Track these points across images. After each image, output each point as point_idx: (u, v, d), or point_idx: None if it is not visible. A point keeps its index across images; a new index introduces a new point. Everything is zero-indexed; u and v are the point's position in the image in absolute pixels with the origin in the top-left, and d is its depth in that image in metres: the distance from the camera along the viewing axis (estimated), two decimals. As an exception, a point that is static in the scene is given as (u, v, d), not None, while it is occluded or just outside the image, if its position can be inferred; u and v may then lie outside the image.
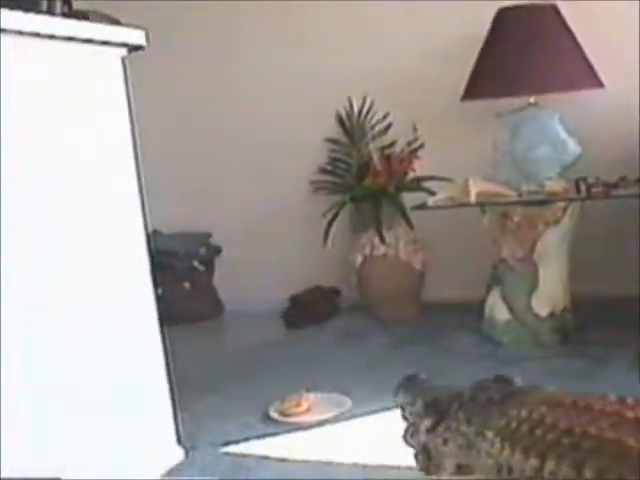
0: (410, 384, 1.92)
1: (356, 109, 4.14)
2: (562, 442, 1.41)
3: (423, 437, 1.76)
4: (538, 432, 1.46)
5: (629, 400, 1.49)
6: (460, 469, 1.61)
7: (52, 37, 2.06)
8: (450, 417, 1.69)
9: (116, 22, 2.29)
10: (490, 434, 1.54)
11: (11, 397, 1.89)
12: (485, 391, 1.70)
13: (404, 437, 1.85)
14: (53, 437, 2.03)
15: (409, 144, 3.96)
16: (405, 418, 1.88)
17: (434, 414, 1.75)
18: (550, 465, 1.40)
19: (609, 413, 1.45)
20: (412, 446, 1.82)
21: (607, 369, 2.98)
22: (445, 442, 1.68)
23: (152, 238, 2.51)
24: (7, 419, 1.87)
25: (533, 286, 3.39)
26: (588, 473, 1.34)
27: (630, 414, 1.43)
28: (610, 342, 3.23)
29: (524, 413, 1.53)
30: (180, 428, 2.56)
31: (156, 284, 2.48)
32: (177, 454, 2.53)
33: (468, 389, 1.75)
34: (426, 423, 1.76)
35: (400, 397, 1.90)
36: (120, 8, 2.49)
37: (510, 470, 1.47)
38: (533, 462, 1.43)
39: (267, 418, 2.80)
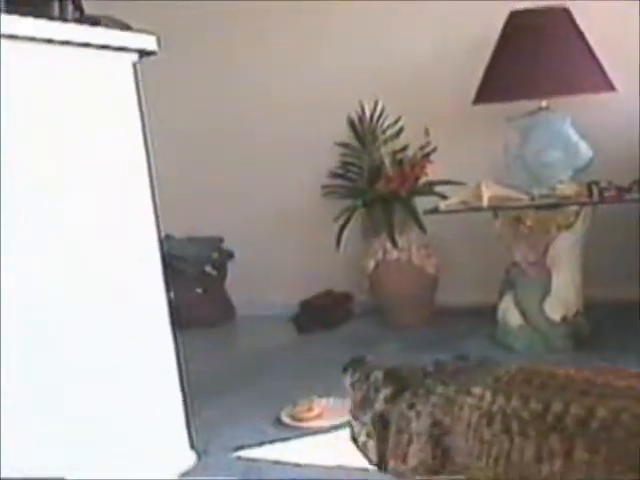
0: (360, 364, 1.85)
1: (368, 113, 4.14)
2: (568, 388, 1.32)
3: (380, 406, 1.68)
4: (536, 382, 1.38)
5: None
6: (435, 426, 1.51)
7: (64, 43, 2.07)
8: (416, 385, 1.62)
9: (127, 27, 2.30)
10: (477, 389, 1.45)
11: (14, 398, 1.90)
12: (450, 364, 1.64)
13: (352, 411, 1.78)
14: (62, 439, 2.03)
15: (421, 148, 3.96)
16: (353, 396, 1.81)
17: (395, 383, 1.68)
18: (556, 408, 1.30)
19: (608, 370, 1.39)
20: (359, 420, 1.75)
21: (621, 374, 2.96)
22: (412, 406, 1.59)
23: (164, 242, 2.52)
24: (10, 420, 1.88)
25: (546, 291, 3.38)
26: (602, 413, 1.25)
27: (632, 371, 1.37)
28: (624, 346, 3.21)
29: (514, 369, 1.45)
30: (192, 432, 2.56)
31: (168, 288, 2.49)
32: (189, 458, 2.53)
33: (430, 364, 1.68)
34: (385, 392, 1.69)
35: (349, 375, 1.83)
36: (131, 12, 2.49)
37: (504, 417, 1.36)
38: (534, 406, 1.33)
39: (279, 423, 2.80)
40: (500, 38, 3.54)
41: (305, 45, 4.27)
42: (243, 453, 2.58)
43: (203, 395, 2.76)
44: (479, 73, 3.58)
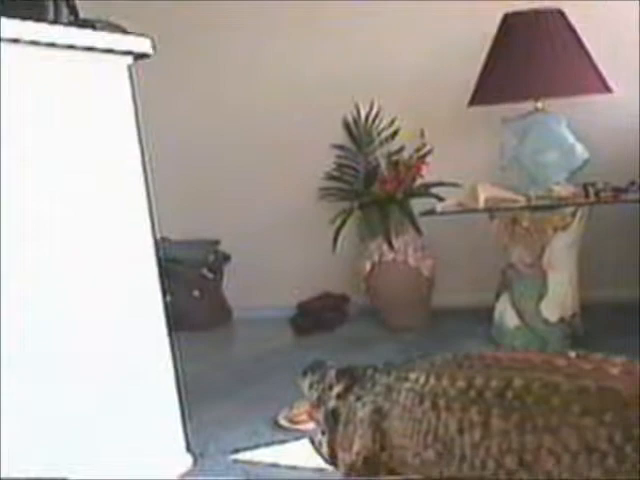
0: (318, 366, 1.94)
1: (363, 115, 4.14)
2: (491, 366, 1.44)
3: (333, 403, 1.78)
4: (466, 364, 1.49)
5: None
6: (375, 413, 1.62)
7: (59, 46, 2.07)
8: (365, 380, 1.72)
9: (122, 30, 2.29)
10: (414, 375, 1.57)
11: (13, 400, 1.90)
12: (399, 362, 1.73)
13: (308, 412, 1.88)
14: (59, 442, 2.03)
15: (417, 150, 3.96)
16: (310, 397, 1.89)
17: (347, 379, 1.77)
18: (478, 383, 1.42)
19: (533, 352, 1.51)
20: (315, 419, 1.84)
21: (617, 374, 2.96)
22: (359, 398, 1.69)
23: (161, 246, 2.52)
24: (10, 421, 1.88)
25: (542, 292, 3.38)
26: (517, 383, 1.37)
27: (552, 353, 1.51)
28: (620, 347, 3.20)
29: (449, 356, 1.57)
30: (189, 435, 2.55)
31: (164, 291, 2.48)
32: (186, 461, 2.53)
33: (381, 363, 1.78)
34: (337, 389, 1.78)
35: (308, 377, 1.91)
36: (126, 15, 2.49)
37: (434, 396, 1.48)
38: (460, 384, 1.44)
39: (276, 425, 2.79)
40: (495, 40, 3.54)
41: (300, 47, 4.27)
42: (240, 456, 2.58)
43: (200, 398, 2.76)
44: (474, 75, 3.58)
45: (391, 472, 1.58)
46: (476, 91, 3.58)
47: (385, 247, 3.93)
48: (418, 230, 3.87)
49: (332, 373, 1.84)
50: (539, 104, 3.50)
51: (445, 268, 4.06)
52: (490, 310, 3.54)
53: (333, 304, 4.24)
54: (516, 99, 3.50)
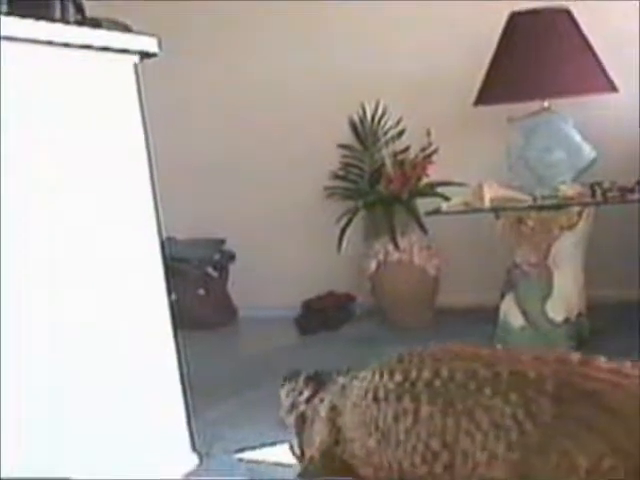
0: (294, 374, 2.02)
1: (369, 115, 4.14)
2: (425, 359, 1.57)
3: (302, 407, 1.89)
4: (406, 359, 1.62)
5: None
6: (332, 410, 1.74)
7: (65, 45, 2.07)
8: (329, 383, 1.83)
9: (128, 29, 2.30)
10: (363, 373, 1.69)
11: (15, 399, 1.90)
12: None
13: (281, 417, 1.97)
14: (64, 440, 2.03)
15: (423, 149, 3.95)
16: (285, 404, 1.98)
17: (314, 384, 1.89)
18: (413, 375, 1.55)
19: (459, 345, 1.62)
20: (287, 423, 1.95)
21: (623, 375, 2.94)
22: (322, 400, 1.80)
23: (166, 244, 2.52)
24: (11, 421, 1.88)
25: (548, 291, 3.37)
26: (444, 373, 1.50)
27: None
28: (626, 348, 3.20)
29: (395, 355, 1.68)
30: (194, 434, 2.55)
31: (170, 290, 2.48)
32: (192, 460, 2.53)
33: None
34: (305, 394, 1.89)
35: (286, 386, 1.99)
36: (133, 14, 2.49)
37: (376, 391, 1.60)
38: (397, 377, 1.58)
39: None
40: (501, 39, 3.53)
41: (306, 47, 4.27)
42: (245, 455, 2.58)
43: (205, 397, 2.76)
44: (480, 74, 3.57)
45: (343, 464, 1.70)
46: (482, 90, 3.57)
47: (390, 246, 3.92)
48: (423, 229, 3.86)
49: (301, 380, 1.95)
50: (546, 103, 3.50)
51: (450, 267, 4.06)
52: (495, 310, 3.53)
53: (338, 303, 4.23)
54: (522, 98, 3.49)
